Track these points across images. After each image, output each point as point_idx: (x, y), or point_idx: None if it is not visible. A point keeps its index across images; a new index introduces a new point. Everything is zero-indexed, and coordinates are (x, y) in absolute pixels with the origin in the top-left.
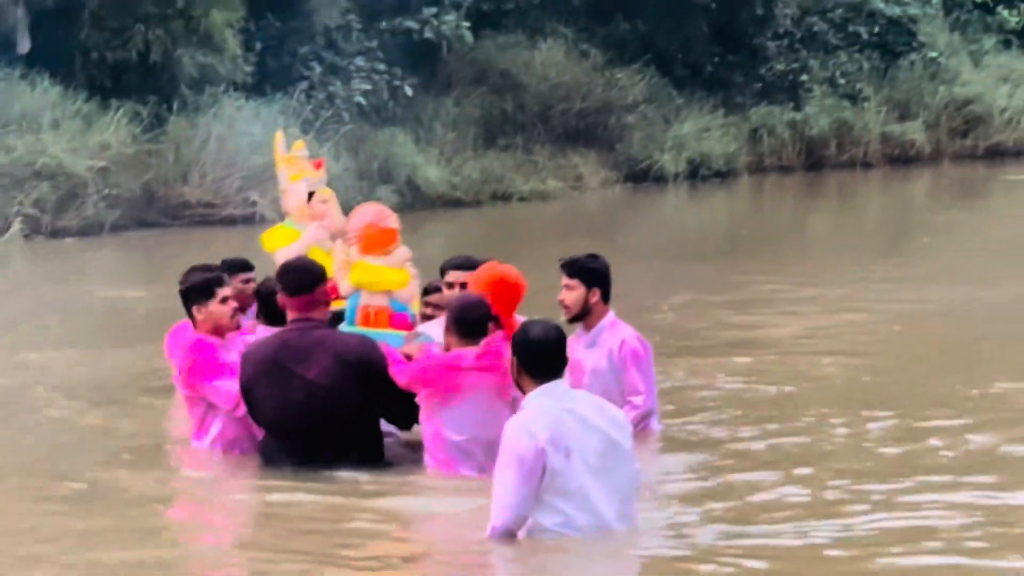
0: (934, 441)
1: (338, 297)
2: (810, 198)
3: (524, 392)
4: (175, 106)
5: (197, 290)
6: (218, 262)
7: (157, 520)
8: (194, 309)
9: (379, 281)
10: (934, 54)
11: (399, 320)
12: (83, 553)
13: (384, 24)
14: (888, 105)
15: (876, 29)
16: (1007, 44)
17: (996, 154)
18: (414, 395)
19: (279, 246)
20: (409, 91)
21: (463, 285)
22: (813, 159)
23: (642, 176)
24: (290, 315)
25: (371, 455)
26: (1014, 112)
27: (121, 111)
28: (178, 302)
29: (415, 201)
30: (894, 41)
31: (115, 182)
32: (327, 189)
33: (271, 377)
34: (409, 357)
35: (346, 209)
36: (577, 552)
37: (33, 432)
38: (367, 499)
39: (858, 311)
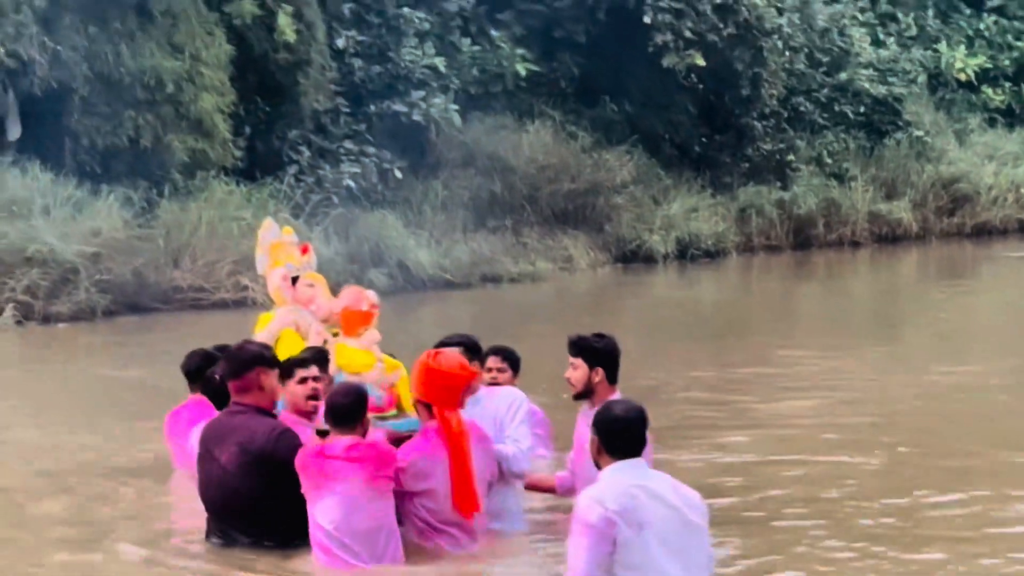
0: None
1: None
2: (799, 277)
3: (600, 469)
4: (166, 191)
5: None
6: (212, 346)
7: None
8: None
9: (349, 363)
10: (920, 133)
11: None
12: None
13: (372, 107)
14: (875, 184)
15: (862, 109)
16: (992, 122)
17: (983, 232)
18: None
19: (259, 331)
20: (398, 174)
21: None
22: (801, 238)
23: (632, 257)
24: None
25: (290, 538)
26: (1000, 190)
27: (112, 196)
28: (174, 383)
29: (406, 283)
30: (880, 120)
31: (106, 267)
32: (314, 274)
33: (200, 457)
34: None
35: (335, 292)
36: None
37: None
38: None
39: (852, 389)
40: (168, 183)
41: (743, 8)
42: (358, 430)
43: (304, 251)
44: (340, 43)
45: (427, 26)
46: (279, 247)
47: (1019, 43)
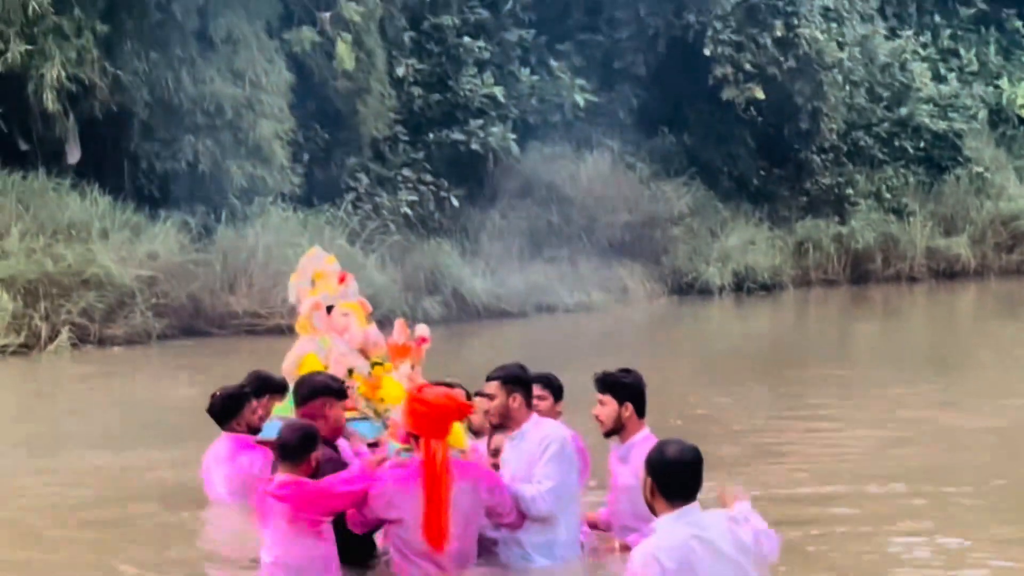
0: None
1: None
2: (856, 312)
3: (656, 514)
4: (223, 216)
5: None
6: (268, 372)
7: None
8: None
9: (387, 394)
10: (980, 169)
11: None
12: None
13: (431, 136)
14: (934, 220)
15: (922, 144)
16: None
17: None
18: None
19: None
20: (455, 202)
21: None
22: (858, 273)
23: (687, 289)
24: None
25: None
26: None
27: (169, 221)
28: None
29: (460, 312)
30: (940, 156)
31: (163, 291)
32: (351, 303)
33: None
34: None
35: (388, 320)
36: None
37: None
38: None
39: (908, 424)
40: (225, 208)
41: (803, 42)
42: (302, 467)
43: (341, 280)
44: (400, 71)
45: (487, 55)
46: (321, 276)
47: None
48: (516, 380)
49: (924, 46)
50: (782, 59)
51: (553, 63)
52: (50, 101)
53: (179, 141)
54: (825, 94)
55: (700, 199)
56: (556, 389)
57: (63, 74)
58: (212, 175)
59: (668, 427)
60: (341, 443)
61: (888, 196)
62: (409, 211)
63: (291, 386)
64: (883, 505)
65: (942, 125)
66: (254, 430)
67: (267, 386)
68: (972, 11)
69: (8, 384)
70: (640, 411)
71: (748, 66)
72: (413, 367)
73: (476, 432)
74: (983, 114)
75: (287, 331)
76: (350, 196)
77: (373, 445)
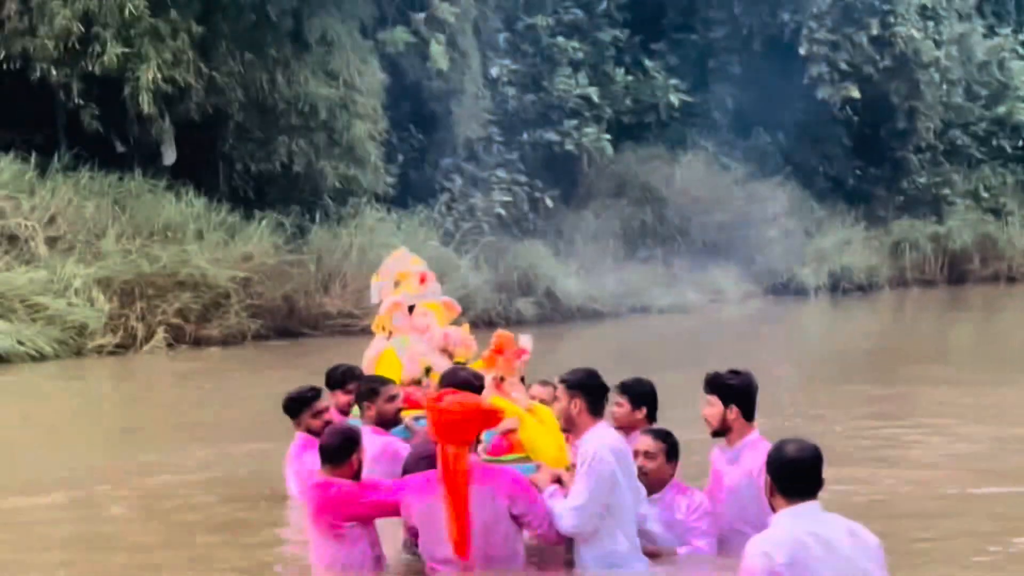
0: None
1: (413, 406)
2: (954, 312)
3: (774, 511)
4: (317, 217)
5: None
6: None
7: None
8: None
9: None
10: None
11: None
12: None
13: (525, 136)
14: None
15: (1020, 142)
16: None
17: None
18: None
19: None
20: (549, 203)
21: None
22: (956, 273)
23: (782, 289)
24: None
25: None
26: None
27: (264, 222)
28: None
29: (554, 312)
30: None
31: (257, 292)
32: (433, 303)
33: None
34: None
35: (482, 321)
36: None
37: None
38: None
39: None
40: (319, 209)
41: (900, 40)
42: (343, 470)
43: (422, 281)
44: (494, 72)
45: (581, 56)
46: (405, 276)
47: None
48: (578, 385)
49: (1023, 44)
50: (878, 58)
51: (648, 63)
52: (146, 103)
53: (273, 142)
54: (922, 93)
55: (795, 199)
56: (636, 396)
57: (159, 76)
58: (306, 176)
59: (770, 428)
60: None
61: (986, 195)
62: (503, 212)
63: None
64: (1000, 505)
65: None
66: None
67: (352, 378)
68: None
69: (105, 382)
70: (748, 413)
71: (844, 65)
72: (504, 378)
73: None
74: None
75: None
76: (444, 197)
77: None
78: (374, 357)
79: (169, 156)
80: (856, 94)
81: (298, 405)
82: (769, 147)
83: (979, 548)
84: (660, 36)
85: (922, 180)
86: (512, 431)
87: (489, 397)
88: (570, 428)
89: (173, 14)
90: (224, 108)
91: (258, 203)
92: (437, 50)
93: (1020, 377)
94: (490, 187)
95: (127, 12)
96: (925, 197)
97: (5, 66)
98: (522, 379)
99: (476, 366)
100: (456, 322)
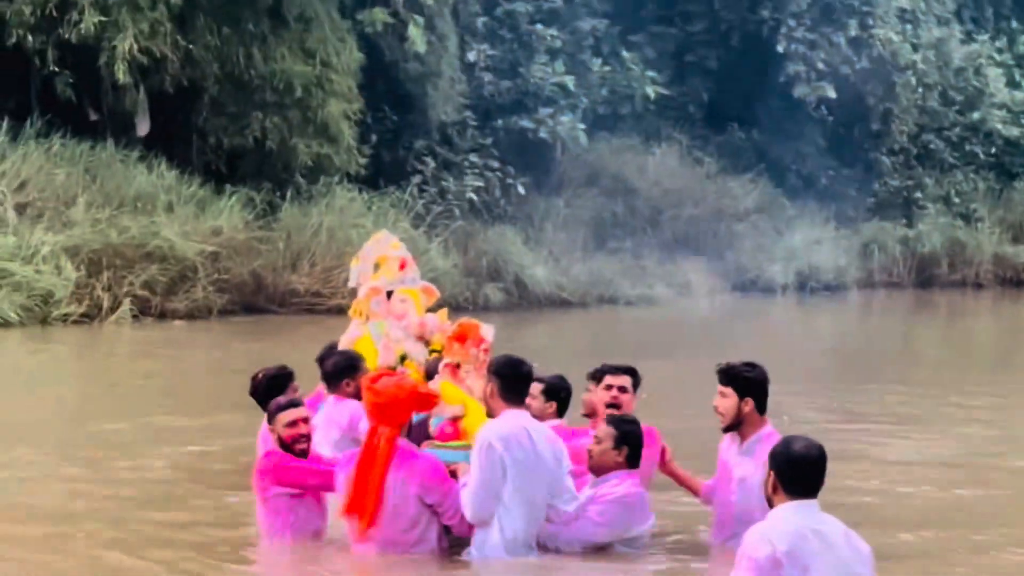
0: None
1: None
2: (920, 316)
3: (771, 506)
4: (288, 194)
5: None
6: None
7: None
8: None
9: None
10: None
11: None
12: None
13: (499, 122)
14: (1002, 226)
15: (993, 149)
16: None
17: None
18: None
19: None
20: (521, 189)
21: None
22: (924, 277)
23: (750, 285)
24: None
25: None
26: None
27: (235, 197)
28: None
29: (522, 300)
30: (1011, 162)
31: (225, 267)
32: (411, 289)
33: None
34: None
35: (449, 305)
36: None
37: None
38: None
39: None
40: (291, 186)
41: (878, 43)
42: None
43: (402, 267)
44: (471, 56)
45: (559, 44)
46: (384, 260)
47: None
48: (495, 369)
49: (1000, 51)
50: (855, 59)
51: (625, 54)
52: (121, 73)
53: (247, 117)
54: (897, 96)
55: (767, 196)
56: (548, 390)
57: (135, 46)
58: (279, 152)
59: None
60: None
61: (957, 201)
62: (474, 197)
63: None
64: (952, 504)
65: (1015, 131)
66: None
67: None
68: None
69: (70, 352)
70: (761, 407)
71: (821, 64)
72: (459, 365)
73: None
74: None
75: (347, 311)
76: (416, 179)
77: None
78: (351, 342)
79: (142, 127)
80: (832, 94)
81: (279, 383)
82: (743, 143)
83: (948, 549)
84: (638, 28)
85: (894, 182)
86: (459, 418)
87: (440, 382)
88: (488, 411)
89: None
90: (199, 81)
91: (229, 178)
92: (415, 32)
93: (984, 381)
94: (463, 171)
95: None
96: (896, 199)
97: None
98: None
99: (435, 347)
100: (434, 308)
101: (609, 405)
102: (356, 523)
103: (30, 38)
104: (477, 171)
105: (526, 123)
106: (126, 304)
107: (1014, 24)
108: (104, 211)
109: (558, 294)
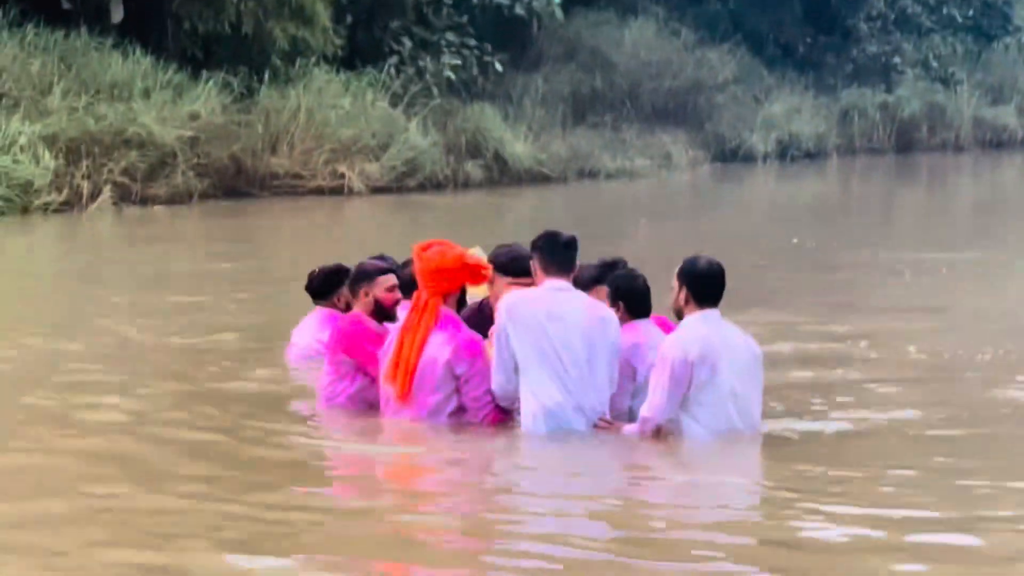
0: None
1: None
2: (901, 180)
3: (682, 317)
4: (265, 77)
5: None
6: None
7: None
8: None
9: None
10: None
11: None
12: None
13: (475, 0)
14: (981, 89)
15: (970, 12)
16: None
17: None
18: None
19: None
20: (499, 67)
21: None
22: (904, 141)
23: (731, 156)
24: None
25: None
26: None
27: (211, 82)
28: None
29: (502, 176)
30: (989, 24)
31: (204, 152)
32: None
33: None
34: None
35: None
36: (711, 449)
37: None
38: None
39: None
40: (268, 70)
41: None
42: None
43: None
44: None
45: None
46: None
47: None
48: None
49: None
50: None
51: None
52: None
53: (222, 1)
54: None
55: (745, 66)
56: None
57: None
58: (255, 36)
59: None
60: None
61: (935, 65)
62: (452, 75)
63: None
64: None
65: None
66: (349, 309)
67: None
68: None
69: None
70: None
71: None
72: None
73: None
74: None
75: (328, 192)
76: (393, 59)
77: None
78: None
79: (116, 14)
80: None
81: (336, 278)
82: (720, 13)
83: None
84: None
85: (872, 48)
86: None
87: None
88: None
89: None
90: None
91: (206, 63)
92: None
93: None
94: (439, 50)
95: None
96: (875, 65)
97: None
98: None
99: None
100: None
101: None
102: (392, 389)
103: None
104: (454, 49)
105: (501, 0)
106: (106, 191)
107: None
108: (81, 99)
109: (538, 170)
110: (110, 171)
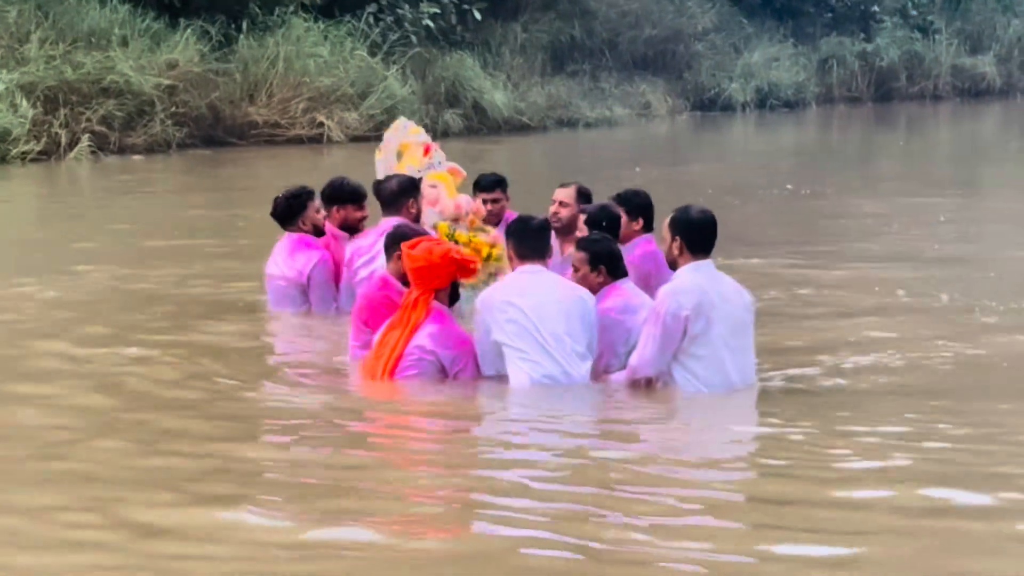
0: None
1: None
2: (879, 128)
3: (677, 267)
4: (244, 26)
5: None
6: (287, 181)
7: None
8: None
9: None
10: None
11: None
12: None
13: None
14: (960, 37)
15: None
16: None
17: None
18: None
19: None
20: (478, 15)
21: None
22: (883, 91)
23: (710, 104)
24: None
25: None
26: None
27: (189, 30)
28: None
29: (481, 125)
30: None
31: (182, 100)
32: (440, 173)
33: None
34: None
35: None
36: (703, 402)
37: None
38: None
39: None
40: (246, 18)
41: None
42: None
43: (426, 152)
44: None
45: None
46: (407, 147)
47: None
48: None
49: None
50: None
51: None
52: None
53: None
54: None
55: (724, 14)
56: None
57: None
58: None
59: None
60: None
61: (914, 13)
62: (431, 23)
63: None
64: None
65: None
66: (318, 232)
67: (342, 194)
68: None
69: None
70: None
71: None
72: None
73: None
74: None
75: (306, 141)
76: (371, 7)
77: None
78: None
79: None
80: None
81: (299, 202)
82: None
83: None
84: None
85: None
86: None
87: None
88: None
89: None
90: None
91: (184, 11)
92: None
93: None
94: None
95: None
96: (853, 14)
97: None
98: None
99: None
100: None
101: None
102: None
103: None
104: None
105: None
106: (84, 140)
107: None
108: (58, 47)
109: (517, 118)
110: (88, 120)
